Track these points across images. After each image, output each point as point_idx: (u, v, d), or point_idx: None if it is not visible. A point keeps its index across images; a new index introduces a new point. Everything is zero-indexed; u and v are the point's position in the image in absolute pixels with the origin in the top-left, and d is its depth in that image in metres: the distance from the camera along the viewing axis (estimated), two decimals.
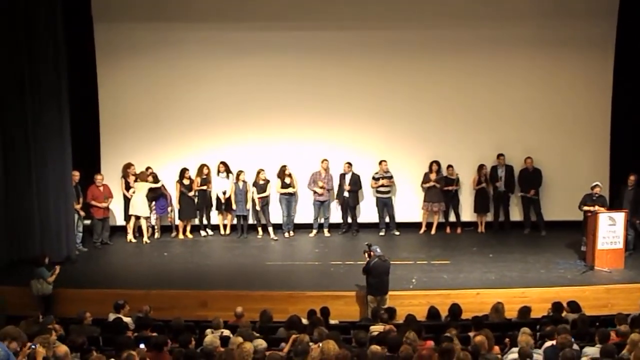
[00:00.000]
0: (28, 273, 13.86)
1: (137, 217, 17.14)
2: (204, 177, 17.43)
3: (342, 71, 17.42)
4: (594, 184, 15.38)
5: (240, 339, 9.93)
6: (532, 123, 17.55)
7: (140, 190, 17.03)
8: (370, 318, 12.35)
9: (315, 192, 17.42)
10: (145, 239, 17.13)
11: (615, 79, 17.26)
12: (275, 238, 17.39)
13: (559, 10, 16.94)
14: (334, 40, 17.24)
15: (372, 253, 13.30)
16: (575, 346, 9.92)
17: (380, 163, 17.41)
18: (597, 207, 15.00)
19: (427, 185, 17.43)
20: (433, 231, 17.68)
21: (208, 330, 11.11)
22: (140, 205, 17.03)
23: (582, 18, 16.94)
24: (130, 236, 17.21)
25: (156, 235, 17.49)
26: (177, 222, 17.63)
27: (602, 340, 10.12)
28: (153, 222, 17.46)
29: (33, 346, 8.86)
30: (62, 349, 9.18)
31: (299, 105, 17.50)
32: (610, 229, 14.86)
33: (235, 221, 17.72)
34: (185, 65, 17.35)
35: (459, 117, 17.60)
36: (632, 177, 15.79)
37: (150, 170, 17.19)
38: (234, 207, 17.44)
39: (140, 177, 17.10)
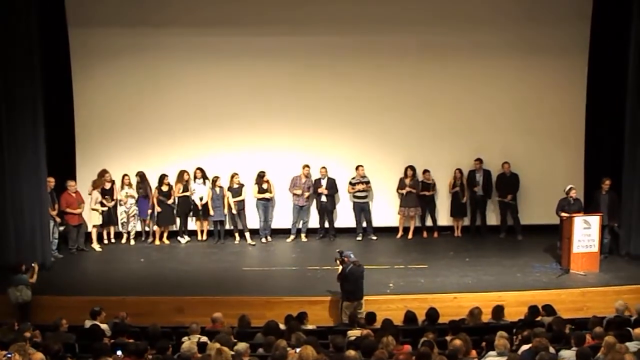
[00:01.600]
0: (3, 281, 13.72)
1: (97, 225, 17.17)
2: (185, 183, 17.37)
3: (318, 77, 17.45)
4: (569, 187, 15.50)
5: (217, 345, 9.91)
6: (508, 128, 17.65)
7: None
8: (347, 323, 12.36)
9: (295, 195, 17.41)
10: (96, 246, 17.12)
11: (590, 84, 17.38)
12: (253, 243, 17.35)
13: (534, 16, 17.05)
14: (311, 47, 17.25)
15: (346, 259, 13.29)
16: (552, 349, 9.96)
17: (357, 168, 17.44)
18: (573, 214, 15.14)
19: (403, 191, 17.46)
20: (410, 236, 17.71)
21: (185, 337, 11.07)
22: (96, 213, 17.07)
23: (556, 24, 17.05)
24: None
25: (131, 242, 17.42)
26: (154, 228, 17.55)
27: (577, 343, 10.19)
28: (129, 227, 17.39)
29: (9, 354, 8.79)
30: (38, 356, 9.12)
31: (276, 111, 17.47)
32: (586, 232, 14.97)
33: (212, 227, 17.68)
34: (161, 70, 17.29)
35: (436, 122, 17.65)
36: (607, 182, 15.91)
37: (127, 179, 17.23)
38: (211, 212, 17.40)
39: (95, 184, 17.07)
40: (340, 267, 13.27)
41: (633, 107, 15.61)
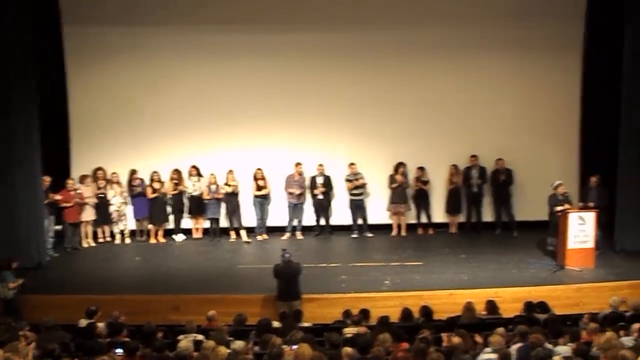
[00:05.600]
0: None
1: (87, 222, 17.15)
2: (176, 181, 17.37)
3: (312, 75, 17.47)
4: (557, 183, 15.55)
5: (213, 343, 9.91)
6: (503, 124, 17.68)
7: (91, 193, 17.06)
8: (342, 320, 12.37)
9: (290, 194, 17.41)
10: (85, 243, 17.11)
11: (584, 81, 17.44)
12: (248, 241, 17.36)
13: (529, 12, 17.08)
14: (305, 45, 17.25)
15: (284, 257, 13.51)
16: (547, 345, 9.98)
17: (349, 165, 17.45)
18: (566, 206, 15.17)
19: (394, 186, 17.47)
20: (404, 233, 17.72)
21: (181, 336, 11.06)
22: (89, 210, 17.03)
23: (551, 20, 17.07)
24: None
25: (126, 240, 17.41)
26: (149, 226, 17.55)
27: (573, 339, 10.22)
28: (122, 227, 17.40)
29: None
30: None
31: (271, 109, 17.47)
32: (581, 228, 14.99)
33: (207, 225, 17.68)
34: (156, 69, 17.31)
35: (431, 119, 17.66)
36: (594, 179, 16.03)
37: (116, 177, 17.27)
38: (206, 210, 17.40)
39: (89, 180, 17.12)
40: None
41: (627, 104, 15.64)
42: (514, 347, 10.06)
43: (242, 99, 17.43)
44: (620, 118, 15.79)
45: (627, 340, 10.14)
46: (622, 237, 15.90)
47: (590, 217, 15.04)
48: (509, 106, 17.63)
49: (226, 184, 17.27)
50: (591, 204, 15.54)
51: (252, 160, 17.51)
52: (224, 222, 17.65)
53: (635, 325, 10.82)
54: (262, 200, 17.50)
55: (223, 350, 9.70)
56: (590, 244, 15.05)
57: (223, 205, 17.46)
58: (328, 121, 17.58)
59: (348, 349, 9.61)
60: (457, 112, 17.64)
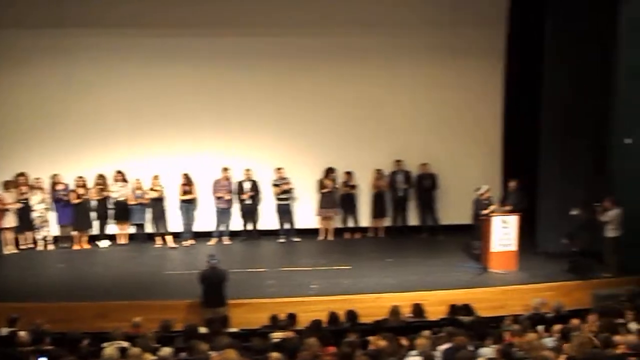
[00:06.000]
0: None
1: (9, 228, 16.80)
2: (101, 186, 17.13)
3: (239, 79, 17.41)
4: (484, 189, 15.84)
5: (139, 350, 9.81)
6: (428, 129, 17.92)
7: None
8: (270, 325, 12.36)
9: (218, 199, 17.34)
10: (6, 250, 16.75)
11: (506, 85, 17.81)
12: (175, 246, 17.23)
13: (451, 18, 17.36)
14: (231, 48, 17.21)
15: (209, 263, 13.53)
16: (471, 347, 10.13)
17: (276, 170, 17.45)
18: (493, 207, 15.47)
19: (323, 191, 17.54)
20: (331, 237, 17.80)
21: (106, 343, 10.91)
22: (10, 216, 16.70)
23: (473, 26, 17.39)
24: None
25: (49, 247, 17.10)
26: (73, 232, 17.27)
27: (496, 341, 10.39)
28: (45, 233, 17.08)
29: None
30: None
31: (197, 113, 17.38)
32: (504, 231, 15.26)
33: (133, 230, 17.48)
34: (80, 72, 17.06)
35: (357, 124, 17.79)
36: (512, 183, 16.37)
37: (39, 183, 16.96)
38: (131, 216, 17.22)
39: (9, 186, 16.79)
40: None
41: (548, 108, 16.01)
42: (440, 350, 10.19)
43: (168, 103, 17.30)
44: (541, 121, 16.15)
45: (549, 341, 10.37)
46: (543, 240, 16.24)
47: (513, 220, 15.32)
48: (433, 111, 17.89)
49: (152, 189, 17.11)
50: (508, 208, 15.82)
51: (178, 165, 17.38)
52: (149, 228, 17.46)
53: (556, 327, 11.07)
54: (188, 206, 17.38)
55: (149, 357, 9.61)
56: (514, 246, 15.33)
57: (149, 211, 17.28)
58: (256, 126, 17.55)
59: (275, 354, 9.60)
60: (384, 117, 17.81)
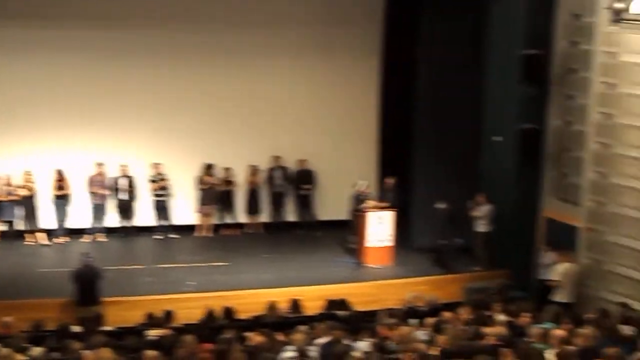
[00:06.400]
0: None
1: None
2: None
3: (115, 73, 17.00)
4: (361, 184, 16.13)
5: (9, 351, 9.57)
6: (305, 125, 18.02)
7: None
8: (145, 323, 12.23)
9: (93, 194, 17.01)
10: None
11: (382, 83, 18.12)
12: (48, 244, 16.81)
13: (328, 15, 17.55)
14: (104, 42, 16.69)
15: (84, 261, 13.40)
16: (347, 341, 10.28)
17: (154, 165, 17.26)
18: (371, 203, 15.75)
19: (203, 187, 17.46)
20: (209, 233, 17.73)
21: None
22: None
23: (349, 24, 17.61)
24: None
25: None
26: None
27: (371, 335, 10.59)
28: None
29: None
30: None
31: (71, 108, 16.93)
32: (380, 227, 15.57)
33: (2, 227, 16.95)
34: None
35: (234, 121, 17.74)
36: (389, 180, 16.71)
37: None
38: (1, 213, 16.68)
39: None
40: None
41: (421, 106, 16.43)
42: (316, 344, 10.30)
43: (39, 97, 16.78)
44: (414, 119, 16.54)
45: (422, 334, 10.62)
46: (417, 235, 16.61)
47: (388, 216, 15.63)
48: (311, 107, 18.04)
49: (23, 186, 16.62)
50: (385, 204, 16.12)
51: (51, 161, 16.91)
52: (20, 225, 16.95)
53: (430, 320, 11.37)
54: (61, 202, 16.96)
55: (20, 358, 9.38)
56: (389, 242, 15.65)
57: (20, 208, 16.77)
58: (132, 121, 17.24)
59: (150, 352, 9.51)
60: (262, 113, 17.82)
